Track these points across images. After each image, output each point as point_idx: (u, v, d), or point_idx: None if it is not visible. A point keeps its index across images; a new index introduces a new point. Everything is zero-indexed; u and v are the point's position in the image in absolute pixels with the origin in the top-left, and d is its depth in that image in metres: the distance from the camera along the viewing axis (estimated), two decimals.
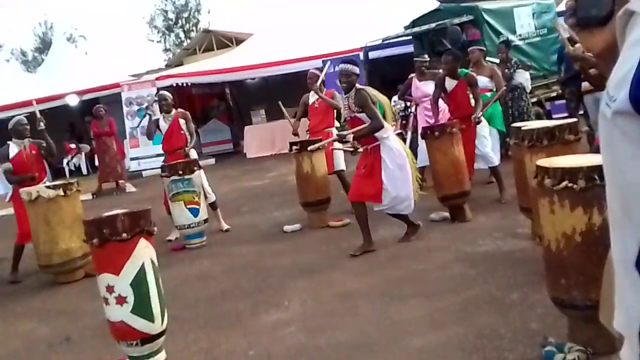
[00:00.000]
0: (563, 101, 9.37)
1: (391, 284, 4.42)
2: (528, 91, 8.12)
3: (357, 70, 5.17)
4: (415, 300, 4.03)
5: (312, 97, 7.06)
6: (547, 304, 3.32)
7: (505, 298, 3.82)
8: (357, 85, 5.17)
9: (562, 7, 10.76)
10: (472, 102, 6.35)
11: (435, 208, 6.07)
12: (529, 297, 3.75)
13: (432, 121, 7.21)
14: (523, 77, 8.03)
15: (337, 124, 7.19)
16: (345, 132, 5.39)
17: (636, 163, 0.91)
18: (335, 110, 6.93)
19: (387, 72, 12.62)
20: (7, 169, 6.04)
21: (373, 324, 3.75)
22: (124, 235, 3.21)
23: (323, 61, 13.22)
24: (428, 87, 7.35)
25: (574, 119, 4.19)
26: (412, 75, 7.67)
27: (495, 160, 6.41)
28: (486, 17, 8.85)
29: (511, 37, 8.96)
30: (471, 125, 6.22)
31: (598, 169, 2.76)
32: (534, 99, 8.82)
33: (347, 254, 5.35)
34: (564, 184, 2.79)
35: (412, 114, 8.55)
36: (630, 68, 0.86)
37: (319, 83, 6.84)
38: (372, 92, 5.22)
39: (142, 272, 3.26)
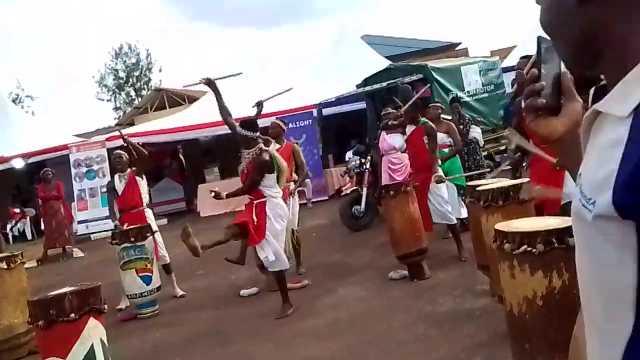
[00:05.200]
0: None
1: (355, 349, 4.32)
2: (481, 145, 8.34)
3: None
4: None
5: (274, 147, 6.97)
6: None
7: (470, 359, 3.77)
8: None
9: (507, 63, 11.27)
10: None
11: (394, 267, 6.04)
12: (494, 357, 3.70)
13: (395, 175, 7.29)
14: (476, 132, 8.26)
15: (295, 176, 7.05)
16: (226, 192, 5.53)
17: (621, 267, 0.88)
18: (294, 164, 6.86)
19: (340, 128, 12.79)
20: None
21: None
22: (72, 315, 3.03)
23: (277, 118, 13.32)
24: (394, 139, 7.49)
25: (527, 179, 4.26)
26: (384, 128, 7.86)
27: (454, 218, 6.41)
28: (435, 75, 9.14)
29: (460, 94, 9.25)
30: (427, 177, 6.27)
31: (556, 232, 2.79)
32: (485, 153, 9.06)
33: (308, 316, 5.24)
34: (523, 248, 2.80)
35: (366, 170, 8.63)
36: (610, 171, 0.84)
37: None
38: (276, 155, 5.55)
39: (91, 353, 3.07)
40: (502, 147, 9.76)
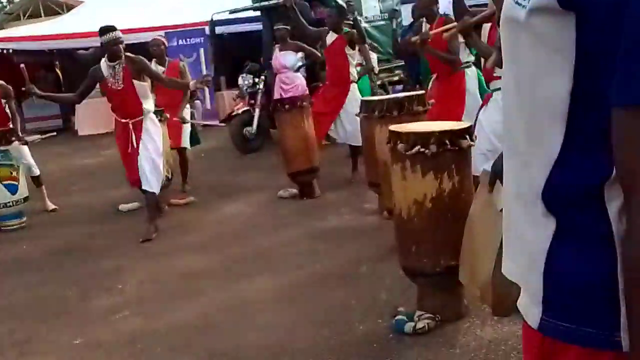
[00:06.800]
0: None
1: (237, 262, 4.19)
2: (376, 72, 8.22)
3: None
4: (263, 277, 3.84)
5: (156, 68, 6.40)
6: (396, 275, 3.32)
7: (354, 271, 3.77)
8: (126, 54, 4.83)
9: None
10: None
11: (285, 187, 5.91)
12: (377, 269, 3.72)
13: (286, 95, 6.99)
14: (372, 58, 8.11)
15: None
16: None
17: (555, 72, 0.78)
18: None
19: (235, 49, 12.25)
20: None
21: (218, 304, 3.48)
22: None
23: (166, 33, 12.51)
24: (286, 58, 7.20)
25: (422, 91, 4.22)
26: (277, 45, 7.48)
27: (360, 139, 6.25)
28: None
29: (359, 18, 9.04)
30: (342, 91, 6.04)
31: (449, 134, 2.74)
32: (379, 82, 9.01)
33: (191, 232, 5.03)
34: (416, 149, 2.73)
35: (260, 90, 8.33)
36: None
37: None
38: None
39: None
40: (395, 78, 9.79)
